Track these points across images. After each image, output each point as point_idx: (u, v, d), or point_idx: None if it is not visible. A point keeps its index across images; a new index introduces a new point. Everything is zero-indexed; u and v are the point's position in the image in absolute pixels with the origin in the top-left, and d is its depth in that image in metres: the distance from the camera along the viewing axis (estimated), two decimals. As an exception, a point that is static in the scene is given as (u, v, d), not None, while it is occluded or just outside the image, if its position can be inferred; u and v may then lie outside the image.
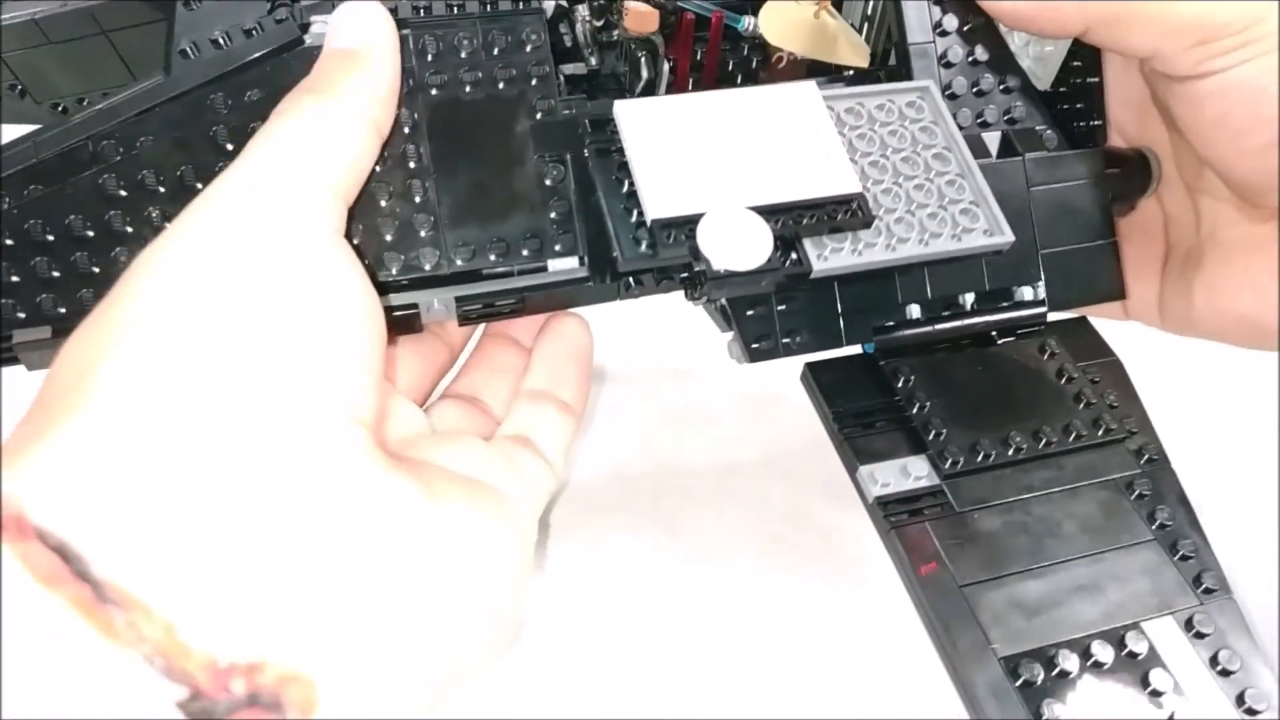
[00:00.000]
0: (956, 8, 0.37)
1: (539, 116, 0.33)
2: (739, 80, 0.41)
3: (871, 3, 0.41)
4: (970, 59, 0.37)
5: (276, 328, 0.23)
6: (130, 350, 0.22)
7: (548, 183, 0.33)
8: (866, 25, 0.41)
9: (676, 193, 0.30)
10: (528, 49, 0.33)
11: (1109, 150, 0.38)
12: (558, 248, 0.33)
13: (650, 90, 0.39)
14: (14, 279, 0.30)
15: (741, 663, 0.42)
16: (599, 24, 0.39)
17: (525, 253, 0.33)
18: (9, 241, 0.30)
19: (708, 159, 0.30)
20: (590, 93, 0.40)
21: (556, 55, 0.39)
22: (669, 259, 0.29)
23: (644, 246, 0.30)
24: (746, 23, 0.40)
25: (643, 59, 0.38)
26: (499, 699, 0.40)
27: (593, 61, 0.39)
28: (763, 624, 0.43)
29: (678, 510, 0.48)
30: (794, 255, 0.30)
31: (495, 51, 0.33)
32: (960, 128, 0.35)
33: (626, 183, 0.31)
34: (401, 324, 0.33)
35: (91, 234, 0.31)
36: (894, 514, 0.32)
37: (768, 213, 0.30)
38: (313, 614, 0.22)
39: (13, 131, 0.41)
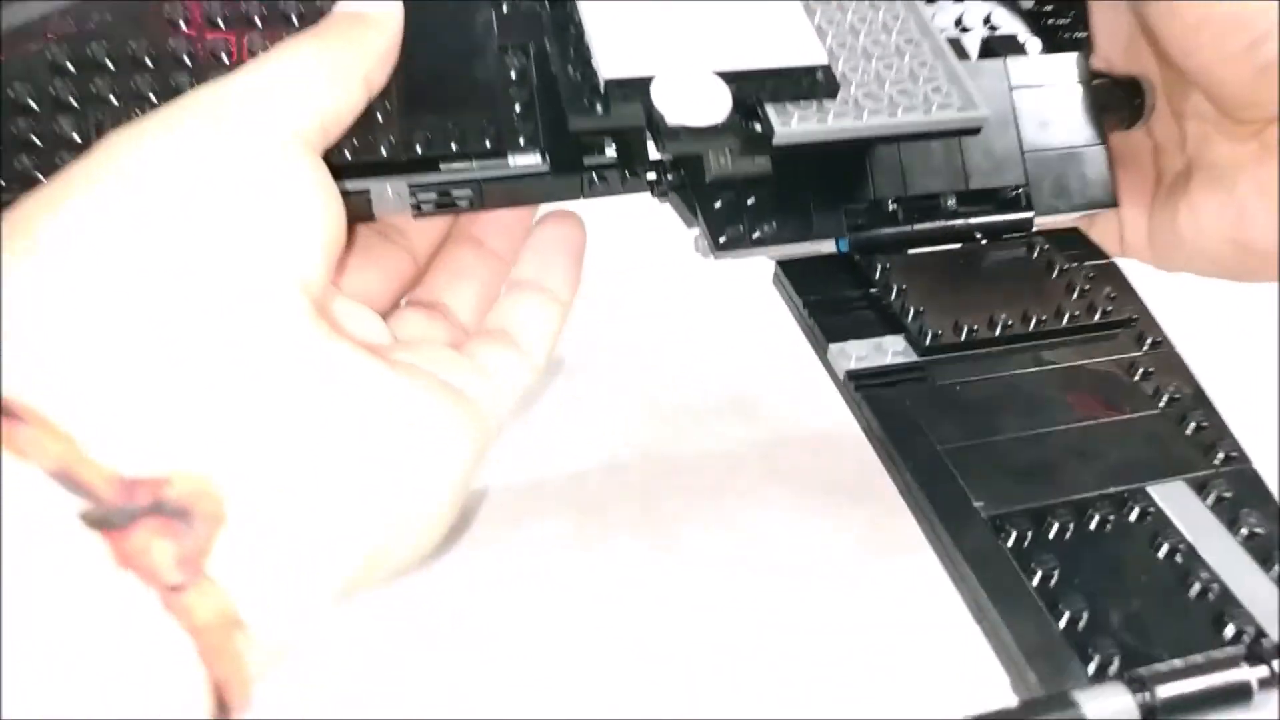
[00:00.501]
0: None
1: (503, 7, 0.33)
2: None
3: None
4: None
5: (231, 199, 0.24)
6: (73, 209, 0.22)
7: (510, 74, 0.32)
8: None
9: (632, 52, 0.29)
10: None
11: (1096, 70, 0.37)
12: (520, 141, 0.32)
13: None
14: None
15: (739, 663, 0.40)
16: None
17: (485, 144, 0.32)
18: None
19: (667, 22, 0.29)
20: None
21: None
22: (622, 120, 0.28)
23: (598, 109, 0.29)
24: None
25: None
26: (499, 699, 0.39)
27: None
28: (760, 625, 0.42)
29: (671, 508, 0.46)
30: (755, 125, 0.29)
31: None
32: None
33: (584, 50, 0.30)
34: (353, 212, 0.32)
35: (75, 103, 0.30)
36: (866, 387, 0.30)
37: (728, 79, 0.29)
38: (229, 435, 0.21)
39: None
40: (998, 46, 0.35)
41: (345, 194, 0.31)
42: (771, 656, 0.41)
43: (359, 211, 0.32)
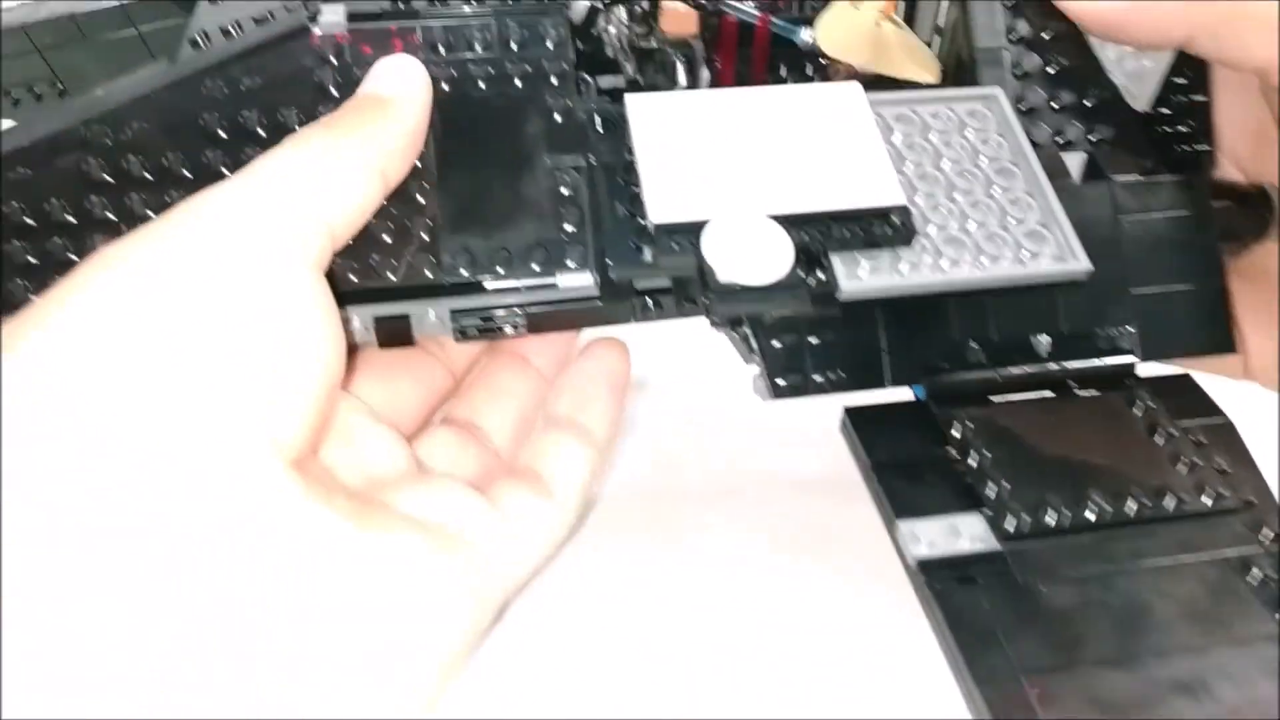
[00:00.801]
0: (1035, 12, 0.32)
1: (555, 118, 0.30)
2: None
3: (943, 13, 0.37)
4: (1049, 70, 0.32)
5: (214, 344, 0.23)
6: (51, 330, 0.22)
7: (561, 190, 0.30)
8: (937, 37, 0.37)
9: (684, 195, 0.26)
10: (548, 44, 0.31)
11: (1218, 182, 0.33)
12: (569, 262, 0.30)
13: (689, 97, 0.35)
14: None
15: (747, 669, 0.38)
16: (638, 29, 0.36)
17: (533, 265, 0.30)
18: None
19: (725, 160, 0.27)
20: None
21: (593, 66, 0.36)
22: (671, 269, 0.26)
23: (647, 255, 0.26)
24: (805, 35, 0.37)
25: (680, 65, 0.35)
26: (498, 700, 0.37)
27: (630, 70, 0.37)
28: (768, 631, 0.39)
29: (681, 516, 0.44)
30: (819, 274, 0.26)
31: (511, 46, 0.31)
32: (1034, 145, 0.30)
33: (634, 187, 0.28)
34: (392, 335, 0.30)
35: (72, 220, 0.29)
36: (939, 580, 0.27)
37: (790, 223, 0.26)
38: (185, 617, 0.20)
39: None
40: (1104, 164, 0.31)
41: (382, 319, 0.29)
42: (773, 657, 0.38)
43: (397, 336, 0.30)
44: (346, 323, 0.29)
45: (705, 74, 0.35)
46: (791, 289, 0.25)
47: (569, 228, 0.30)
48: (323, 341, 0.25)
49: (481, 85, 0.30)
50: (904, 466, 0.29)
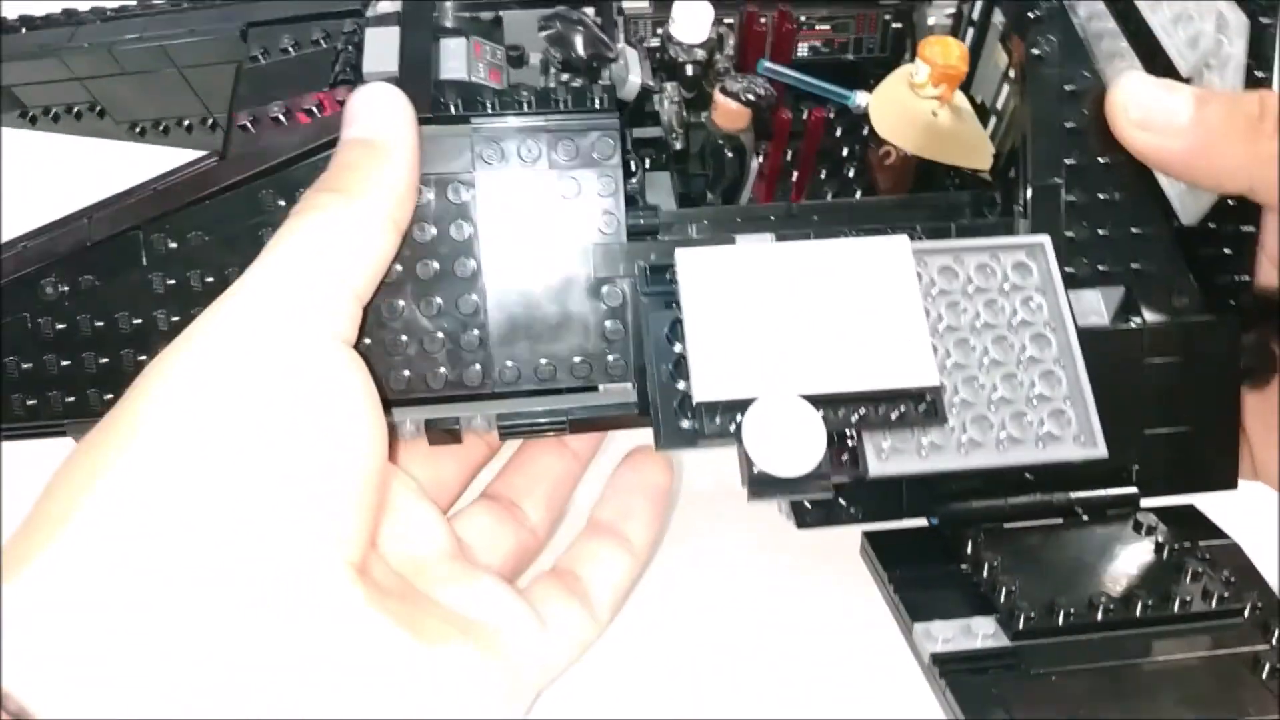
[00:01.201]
0: (1096, 140, 0.32)
1: (603, 235, 0.31)
2: (838, 171, 0.38)
3: (1003, 96, 0.36)
4: (1102, 198, 0.32)
5: (270, 456, 0.23)
6: (118, 479, 0.22)
7: (605, 305, 0.31)
8: (995, 119, 0.36)
9: (728, 371, 0.27)
10: (596, 157, 0.31)
11: (1251, 308, 0.33)
12: (610, 372, 0.31)
13: (734, 190, 0.35)
14: (64, 364, 0.30)
15: (747, 670, 0.40)
16: (691, 118, 0.36)
17: (575, 375, 0.31)
18: (60, 327, 0.30)
19: (769, 329, 0.28)
20: (668, 166, 0.37)
21: (635, 117, 0.36)
22: (712, 442, 0.27)
23: (688, 421, 0.28)
24: (858, 100, 0.36)
25: (729, 156, 0.35)
26: None
27: (677, 145, 0.36)
28: (768, 631, 0.42)
29: (687, 519, 0.45)
30: (848, 455, 0.28)
31: (562, 160, 0.31)
32: (1073, 274, 0.31)
33: (678, 345, 0.29)
34: (441, 435, 0.32)
35: (139, 324, 0.30)
36: (952, 671, 0.28)
37: (828, 402, 0.27)
38: None
39: (93, 149, 0.41)
40: (1141, 300, 0.32)
41: (432, 422, 0.31)
42: (773, 658, 0.41)
43: (445, 436, 0.32)
44: (398, 426, 0.31)
45: (754, 164, 0.35)
46: (821, 479, 0.27)
47: (610, 339, 0.31)
48: (368, 430, 0.26)
49: (532, 196, 0.30)
50: (919, 580, 0.31)
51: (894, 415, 0.27)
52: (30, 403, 0.30)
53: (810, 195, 0.37)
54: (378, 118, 0.28)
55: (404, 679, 0.25)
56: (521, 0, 0.34)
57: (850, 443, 0.28)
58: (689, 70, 0.36)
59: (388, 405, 0.30)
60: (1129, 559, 0.31)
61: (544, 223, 0.31)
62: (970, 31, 0.37)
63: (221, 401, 0.24)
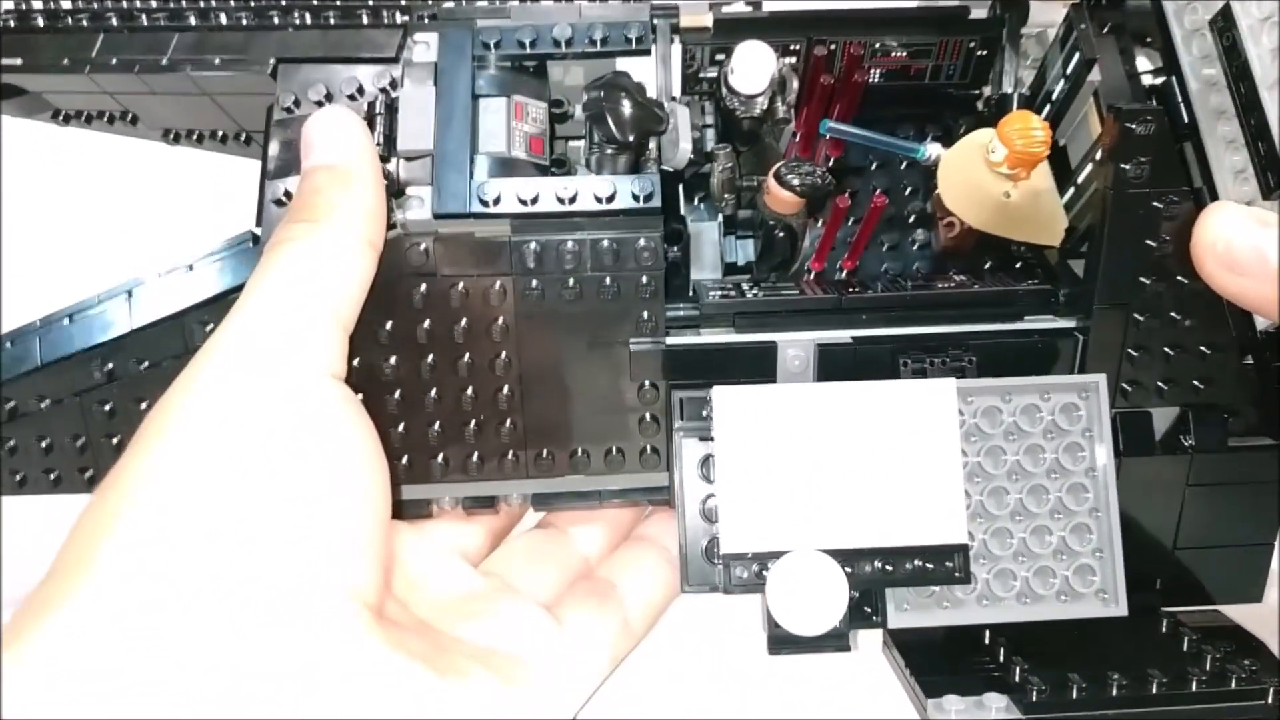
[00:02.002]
0: (1176, 264, 0.29)
1: (640, 336, 0.30)
2: (899, 238, 0.35)
3: (1087, 170, 0.33)
4: (1174, 317, 0.30)
5: (276, 504, 0.24)
6: (129, 530, 0.23)
7: (641, 403, 0.31)
8: (1074, 189, 0.34)
9: (757, 521, 0.28)
10: (636, 264, 0.29)
11: None
12: (644, 464, 0.32)
13: (783, 267, 0.34)
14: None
15: (749, 670, 0.41)
16: (743, 180, 0.33)
17: (609, 466, 0.32)
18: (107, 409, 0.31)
19: (801, 476, 0.28)
20: (714, 214, 0.35)
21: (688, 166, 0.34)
22: (735, 592, 0.28)
23: (715, 566, 0.29)
24: (929, 151, 0.34)
25: (779, 237, 0.33)
26: None
27: (726, 210, 0.34)
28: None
29: None
30: (869, 607, 0.28)
31: (604, 262, 0.29)
32: (1130, 390, 0.30)
33: (710, 486, 0.29)
34: (477, 506, 0.33)
35: None
36: None
37: (854, 555, 0.28)
38: None
39: (133, 148, 0.40)
40: (1196, 428, 0.31)
41: (470, 499, 0.32)
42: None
43: (482, 506, 0.33)
44: (435, 501, 0.32)
45: (805, 244, 0.33)
46: (839, 638, 0.28)
47: (643, 436, 0.31)
48: (368, 466, 0.26)
49: (573, 296, 0.30)
50: (935, 662, 0.31)
51: (919, 573, 0.28)
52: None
53: (867, 263, 0.35)
54: (337, 142, 0.28)
55: (423, 714, 0.25)
56: (567, 51, 0.32)
57: (873, 599, 0.29)
58: (745, 125, 0.33)
59: (428, 479, 0.32)
60: (1145, 644, 0.31)
61: (581, 322, 0.30)
62: (1061, 83, 0.34)
63: (221, 450, 0.24)
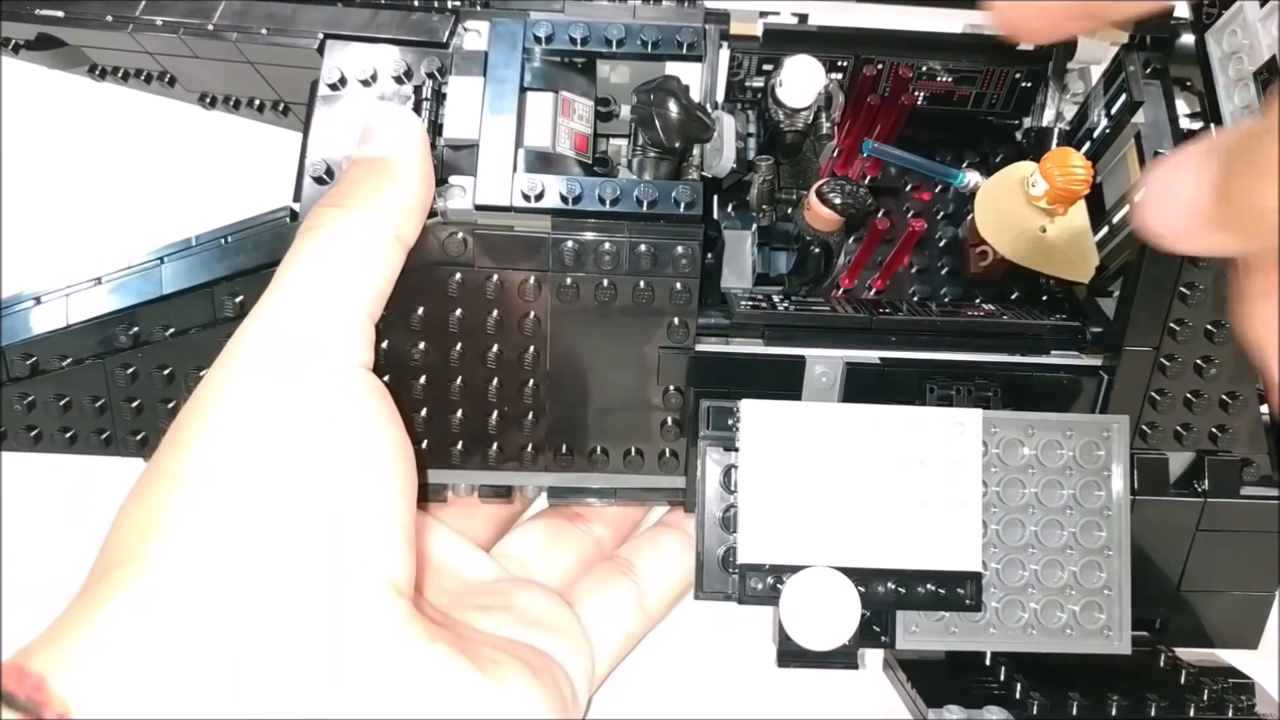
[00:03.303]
0: (1211, 305, 0.30)
1: (670, 341, 0.30)
2: (930, 262, 0.35)
3: (1123, 212, 0.33)
4: (1199, 362, 0.30)
5: (314, 498, 0.24)
6: (174, 524, 0.23)
7: (666, 407, 0.31)
8: (1107, 227, 0.34)
9: (776, 534, 0.28)
10: (673, 270, 0.29)
11: None
12: (663, 466, 0.32)
13: (815, 284, 0.34)
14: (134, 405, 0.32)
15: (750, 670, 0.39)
16: (782, 193, 0.34)
17: (628, 466, 0.32)
18: (130, 372, 0.31)
19: (822, 493, 0.28)
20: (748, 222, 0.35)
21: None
22: (749, 602, 0.28)
23: (731, 575, 0.29)
24: (968, 179, 0.34)
25: (814, 253, 0.33)
26: None
27: (762, 221, 0.34)
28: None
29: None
30: (879, 626, 0.29)
31: (641, 266, 0.29)
32: (1149, 433, 0.30)
33: (732, 496, 0.29)
34: (493, 495, 0.33)
35: None
36: None
37: (869, 575, 0.28)
38: None
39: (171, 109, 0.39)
40: (1211, 473, 0.31)
41: (486, 486, 0.33)
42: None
43: (498, 495, 0.33)
44: (452, 486, 0.33)
45: (839, 263, 0.33)
46: (848, 656, 0.28)
47: (665, 437, 0.32)
48: (396, 457, 0.26)
49: (607, 297, 0.30)
50: (938, 681, 0.32)
51: (931, 598, 0.28)
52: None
53: (896, 284, 0.35)
54: (392, 138, 0.28)
55: (469, 709, 0.25)
56: (618, 51, 0.31)
57: (883, 619, 0.29)
58: (788, 139, 0.33)
59: (437, 466, 0.32)
60: (1145, 673, 0.32)
61: (613, 323, 0.30)
62: (1104, 121, 0.34)
63: (259, 446, 0.24)
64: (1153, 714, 0.29)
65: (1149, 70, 0.33)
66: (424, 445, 0.31)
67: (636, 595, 0.33)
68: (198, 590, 0.22)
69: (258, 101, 0.37)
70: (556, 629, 0.30)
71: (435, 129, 0.30)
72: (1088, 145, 0.34)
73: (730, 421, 0.29)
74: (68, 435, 0.32)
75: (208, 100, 0.38)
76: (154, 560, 0.22)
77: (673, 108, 0.30)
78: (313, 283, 0.26)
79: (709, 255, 0.33)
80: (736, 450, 0.29)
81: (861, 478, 0.28)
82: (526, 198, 0.29)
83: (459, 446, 0.31)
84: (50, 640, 0.21)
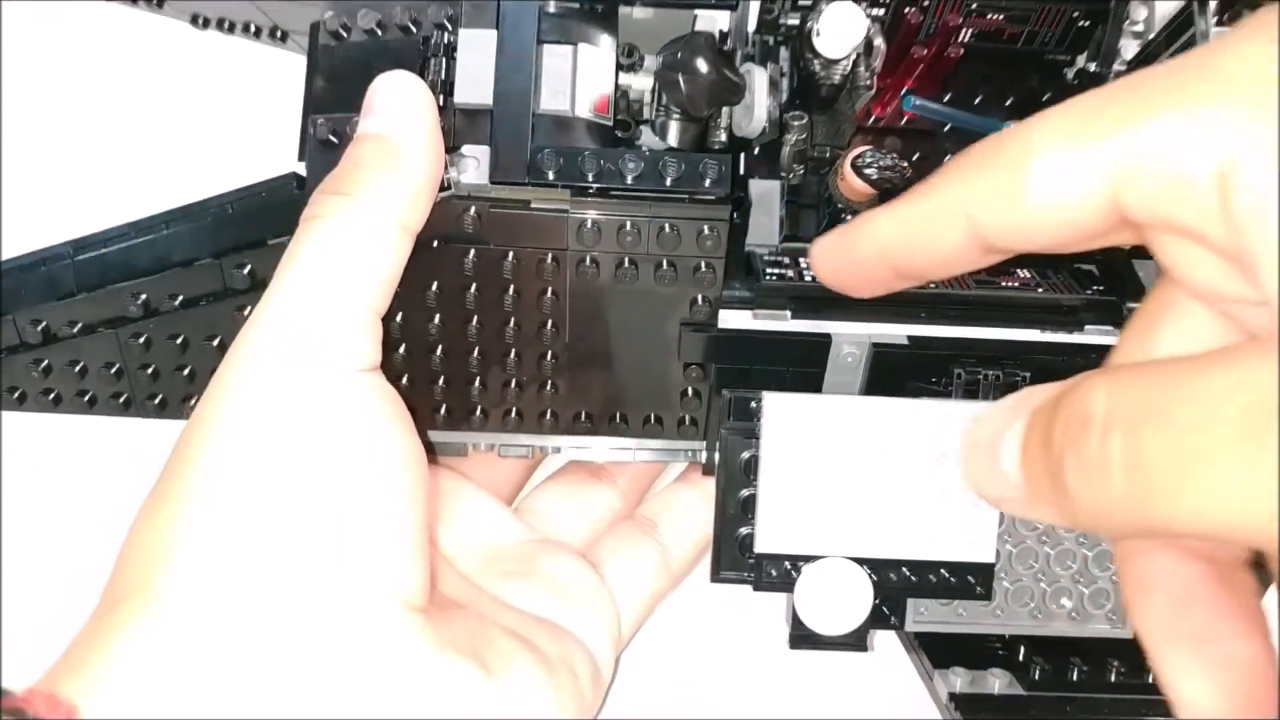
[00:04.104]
0: None
1: (692, 318, 0.29)
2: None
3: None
4: None
5: (319, 514, 0.24)
6: (181, 554, 0.23)
7: (683, 380, 0.31)
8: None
9: (793, 525, 0.28)
10: (699, 250, 0.28)
11: None
12: (680, 435, 0.32)
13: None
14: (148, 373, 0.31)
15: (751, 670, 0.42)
16: (815, 150, 0.31)
17: (647, 433, 0.32)
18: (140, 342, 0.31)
19: (841, 485, 0.28)
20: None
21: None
22: (765, 589, 0.29)
23: (746, 561, 0.29)
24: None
25: (845, 220, 0.31)
26: None
27: (792, 180, 0.32)
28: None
29: None
30: (888, 610, 0.29)
31: (664, 245, 0.28)
32: None
33: (751, 487, 0.29)
34: (513, 454, 0.33)
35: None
36: (967, 709, 0.30)
37: (883, 565, 0.28)
38: None
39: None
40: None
41: (505, 445, 0.33)
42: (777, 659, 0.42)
43: (516, 455, 0.33)
44: (470, 445, 0.33)
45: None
46: (858, 638, 0.29)
47: (684, 411, 0.32)
48: (408, 467, 0.25)
49: (628, 276, 0.29)
50: (945, 644, 0.32)
51: (942, 586, 0.29)
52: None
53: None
54: (396, 112, 0.26)
55: (483, 710, 0.25)
56: None
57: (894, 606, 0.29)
58: (824, 91, 0.31)
59: (456, 430, 0.32)
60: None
61: (634, 299, 0.29)
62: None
63: (263, 463, 0.24)
64: (1149, 680, 0.30)
65: (1221, 20, 0.30)
66: (442, 411, 0.31)
67: (660, 555, 0.33)
68: (208, 622, 0.22)
69: (254, 26, 0.35)
70: (581, 597, 0.31)
71: (446, 89, 0.28)
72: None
73: (753, 404, 0.29)
74: (85, 398, 0.32)
75: (200, 21, 0.35)
76: (164, 593, 0.22)
77: (701, 67, 0.27)
78: (315, 283, 0.25)
79: (734, 216, 0.32)
80: (757, 439, 0.28)
81: (882, 471, 0.28)
82: (543, 172, 0.27)
83: (477, 414, 0.31)
84: (73, 668, 0.21)
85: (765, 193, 0.33)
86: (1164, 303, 0.21)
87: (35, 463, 0.41)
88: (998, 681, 0.31)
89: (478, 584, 0.30)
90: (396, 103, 0.26)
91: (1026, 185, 0.18)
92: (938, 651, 0.32)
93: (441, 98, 0.28)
